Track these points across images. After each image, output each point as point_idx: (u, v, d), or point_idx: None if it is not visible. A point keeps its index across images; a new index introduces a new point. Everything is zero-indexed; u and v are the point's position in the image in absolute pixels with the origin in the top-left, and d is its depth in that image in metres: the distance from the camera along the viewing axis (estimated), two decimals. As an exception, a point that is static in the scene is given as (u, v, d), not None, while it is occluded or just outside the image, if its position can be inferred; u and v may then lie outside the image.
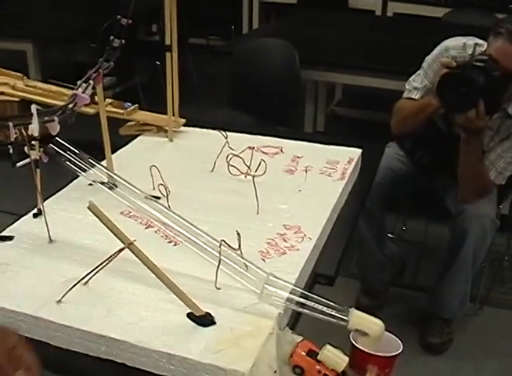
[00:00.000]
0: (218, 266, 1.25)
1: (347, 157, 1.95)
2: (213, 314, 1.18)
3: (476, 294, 3.08)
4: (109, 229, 1.13)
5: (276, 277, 1.24)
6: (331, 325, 1.18)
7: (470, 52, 2.42)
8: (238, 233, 1.28)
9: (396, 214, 3.54)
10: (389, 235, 3.17)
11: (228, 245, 1.27)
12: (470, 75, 2.17)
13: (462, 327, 2.98)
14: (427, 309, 2.93)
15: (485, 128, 2.35)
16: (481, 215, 2.55)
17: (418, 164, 2.83)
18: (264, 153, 1.95)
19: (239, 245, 1.28)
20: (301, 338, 1.20)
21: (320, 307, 1.19)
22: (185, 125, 2.16)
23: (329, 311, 1.18)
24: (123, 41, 1.56)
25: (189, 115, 2.18)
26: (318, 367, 1.13)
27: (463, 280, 2.69)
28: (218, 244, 1.26)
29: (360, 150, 2.00)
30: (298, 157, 1.94)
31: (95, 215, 1.13)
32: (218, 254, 1.26)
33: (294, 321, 1.29)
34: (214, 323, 1.17)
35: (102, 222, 1.13)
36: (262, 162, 1.70)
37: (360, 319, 1.17)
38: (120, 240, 1.13)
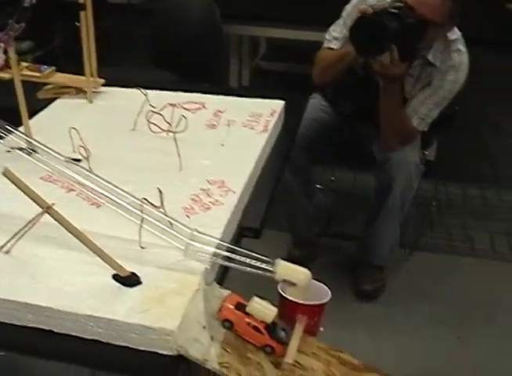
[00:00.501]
0: (141, 225, 1.23)
1: (270, 109, 1.94)
2: (138, 274, 1.17)
3: (406, 240, 3.14)
4: (25, 193, 1.10)
5: (201, 233, 1.23)
6: (260, 278, 1.18)
7: (388, 1, 2.42)
8: (160, 191, 1.27)
9: (323, 164, 3.56)
10: (317, 186, 3.19)
11: (151, 203, 1.25)
12: (382, 20, 2.19)
13: (393, 273, 3.03)
14: (359, 257, 2.98)
15: (402, 75, 2.38)
16: (406, 161, 2.58)
17: (341, 114, 2.84)
18: (185, 109, 1.92)
19: (162, 203, 1.27)
20: (228, 293, 1.20)
21: (247, 260, 1.19)
22: (105, 86, 2.11)
23: (256, 263, 1.18)
24: (34, 1, 1.52)
25: (111, 76, 2.13)
26: (247, 320, 1.13)
27: (391, 227, 2.73)
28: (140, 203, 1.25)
29: (283, 102, 2.00)
30: (220, 112, 1.93)
31: (11, 180, 1.10)
32: (140, 214, 1.24)
33: (222, 276, 1.29)
34: (139, 282, 1.16)
35: (18, 187, 1.10)
36: (183, 118, 1.67)
37: (287, 270, 1.17)
38: (37, 204, 1.11)
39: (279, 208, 3.12)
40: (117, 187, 1.33)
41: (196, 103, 1.99)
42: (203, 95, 2.05)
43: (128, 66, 3.77)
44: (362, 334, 2.66)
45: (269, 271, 1.17)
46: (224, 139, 1.73)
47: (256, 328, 1.13)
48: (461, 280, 3.07)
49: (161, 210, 1.26)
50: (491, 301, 2.95)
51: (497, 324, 2.81)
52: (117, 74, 2.20)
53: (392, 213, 2.67)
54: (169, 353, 1.06)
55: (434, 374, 2.52)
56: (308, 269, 1.21)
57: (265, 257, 1.20)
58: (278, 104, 1.98)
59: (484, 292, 3.00)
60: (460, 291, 2.99)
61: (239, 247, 1.22)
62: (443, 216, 3.59)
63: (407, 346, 2.65)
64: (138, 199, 1.26)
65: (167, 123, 1.69)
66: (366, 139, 2.82)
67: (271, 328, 1.14)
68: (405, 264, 3.14)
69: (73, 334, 1.11)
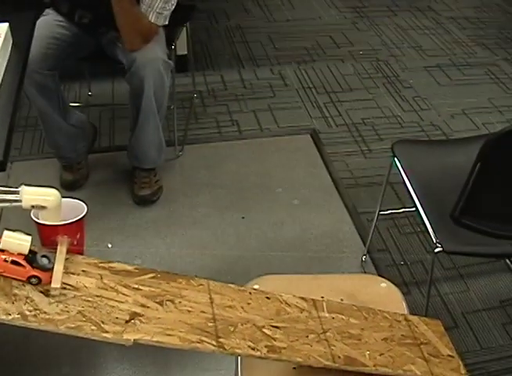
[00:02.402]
0: None
1: (-6, 34, 1.83)
2: None
3: (173, 137, 3.16)
4: None
5: None
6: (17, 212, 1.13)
7: None
8: None
9: (78, 81, 3.47)
10: (73, 104, 3.10)
11: None
12: None
13: (168, 172, 3.05)
14: (130, 165, 2.94)
15: None
16: (152, 58, 2.53)
17: (81, 25, 2.73)
18: None
19: None
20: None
21: (-8, 196, 1.13)
22: None
23: (2, 197, 1.13)
24: None
25: None
26: (3, 256, 1.08)
27: (152, 128, 2.70)
28: None
29: (7, 24, 1.89)
30: None
31: None
32: None
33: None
34: None
35: None
36: None
37: (32, 195, 1.13)
38: None
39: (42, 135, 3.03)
40: None
41: None
42: None
43: None
44: (152, 239, 2.67)
45: (16, 201, 1.12)
46: None
47: (15, 262, 1.08)
48: (235, 163, 3.15)
49: None
50: (266, 176, 3.06)
51: (274, 196, 2.94)
52: None
53: (150, 114, 2.63)
54: None
55: (225, 257, 2.59)
56: (55, 188, 1.17)
57: (13, 188, 1.14)
58: (2, 28, 1.87)
59: (258, 170, 3.11)
60: (237, 175, 3.07)
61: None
62: (207, 106, 3.63)
63: (197, 238, 2.70)
64: None
65: None
66: (111, 46, 2.75)
67: (31, 258, 1.10)
68: (178, 161, 3.15)
69: None
